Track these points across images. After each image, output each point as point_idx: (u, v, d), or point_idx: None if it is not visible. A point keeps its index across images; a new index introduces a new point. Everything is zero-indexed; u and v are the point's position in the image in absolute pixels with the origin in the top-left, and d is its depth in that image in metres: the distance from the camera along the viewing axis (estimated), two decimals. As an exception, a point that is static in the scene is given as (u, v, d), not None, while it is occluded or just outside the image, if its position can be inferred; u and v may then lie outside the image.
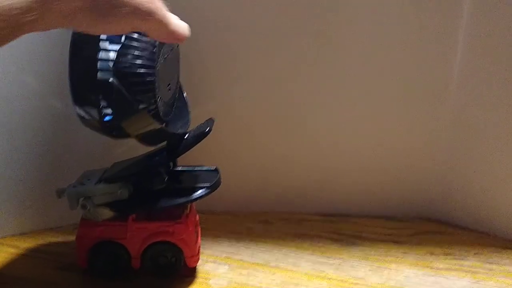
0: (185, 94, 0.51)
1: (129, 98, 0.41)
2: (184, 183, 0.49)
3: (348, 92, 0.60)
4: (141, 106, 0.42)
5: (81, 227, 0.47)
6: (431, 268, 0.51)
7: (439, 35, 0.57)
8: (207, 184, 0.47)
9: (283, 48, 0.58)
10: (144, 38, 0.41)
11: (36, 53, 0.53)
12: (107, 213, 0.46)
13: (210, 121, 0.49)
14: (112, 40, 0.40)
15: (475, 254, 0.54)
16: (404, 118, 0.60)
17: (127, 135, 0.44)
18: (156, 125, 0.43)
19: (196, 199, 0.46)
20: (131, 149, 0.49)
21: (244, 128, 0.61)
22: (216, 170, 0.51)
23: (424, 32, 0.57)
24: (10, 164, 0.54)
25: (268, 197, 0.64)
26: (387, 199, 0.63)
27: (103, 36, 0.40)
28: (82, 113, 0.42)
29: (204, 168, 0.51)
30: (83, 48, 0.40)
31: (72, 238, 0.55)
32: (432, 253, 0.54)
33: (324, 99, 0.60)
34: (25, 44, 0.52)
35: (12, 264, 0.50)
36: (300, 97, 0.60)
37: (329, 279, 0.49)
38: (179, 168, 0.51)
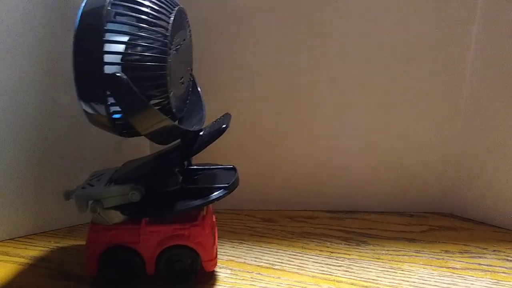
0: (199, 88, 0.48)
1: (139, 93, 0.37)
2: (200, 183, 0.46)
3: (358, 87, 0.56)
4: (152, 102, 0.39)
5: (91, 232, 0.44)
6: (447, 267, 0.48)
7: (453, 31, 0.54)
8: (225, 184, 0.43)
9: (293, 46, 0.55)
10: (154, 28, 0.38)
11: (39, 45, 0.51)
12: (118, 216, 0.43)
13: (226, 117, 0.45)
14: (119, 30, 0.37)
15: (493, 251, 0.51)
16: (416, 111, 0.57)
17: (138, 134, 0.40)
18: (169, 122, 0.39)
19: (214, 200, 0.42)
20: (143, 147, 0.46)
21: (246, 123, 0.58)
22: (233, 169, 0.48)
23: (438, 28, 0.54)
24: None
25: (271, 193, 0.61)
26: (397, 193, 0.60)
27: (109, 27, 0.36)
28: (88, 110, 0.39)
29: (220, 167, 0.48)
30: (87, 40, 0.36)
31: (65, 243, 0.53)
32: (447, 251, 0.51)
33: (331, 94, 0.57)
34: (31, 36, 0.50)
35: (1, 272, 0.47)
36: (306, 92, 0.57)
37: (338, 282, 0.45)
38: (194, 167, 0.48)
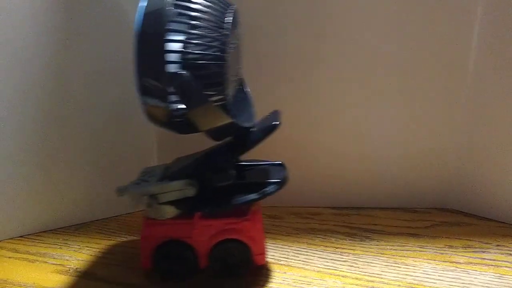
0: (246, 87, 0.49)
1: (200, 91, 0.39)
2: (251, 178, 0.47)
3: (359, 86, 0.57)
4: (212, 99, 0.40)
5: (146, 227, 0.45)
6: (451, 262, 0.48)
7: (454, 28, 0.54)
8: (277, 179, 0.45)
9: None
10: (214, 27, 0.39)
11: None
12: (172, 211, 0.44)
13: (276, 113, 0.46)
14: (180, 30, 0.38)
15: (497, 246, 0.51)
16: (419, 107, 0.57)
17: (196, 130, 0.42)
18: (228, 119, 0.41)
19: (269, 194, 0.44)
20: (189, 144, 0.47)
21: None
22: (281, 164, 0.49)
23: (439, 25, 0.54)
24: (8, 162, 0.52)
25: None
26: (401, 189, 0.60)
27: (171, 26, 0.38)
28: (149, 107, 0.40)
29: (268, 162, 0.49)
30: (150, 40, 0.38)
31: (74, 240, 0.54)
32: (451, 246, 0.51)
33: (338, 92, 0.57)
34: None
35: (11, 268, 0.48)
36: (306, 91, 0.57)
37: (343, 276, 0.46)
38: (243, 163, 0.49)
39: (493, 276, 0.46)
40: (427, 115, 0.57)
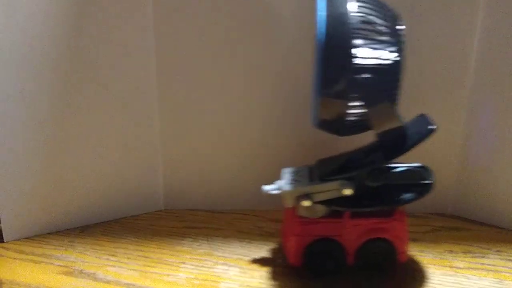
0: None
1: (382, 95, 0.41)
2: (397, 179, 0.48)
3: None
4: (390, 102, 0.42)
5: (297, 225, 0.46)
6: (451, 267, 0.49)
7: (457, 26, 0.55)
8: (429, 180, 0.47)
9: None
10: (395, 33, 0.41)
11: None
12: (324, 209, 0.46)
13: (425, 117, 0.47)
14: (363, 36, 0.40)
15: (496, 251, 0.52)
16: (418, 110, 0.58)
17: (357, 132, 0.44)
18: (401, 122, 0.43)
19: (426, 194, 0.46)
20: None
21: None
22: (423, 167, 0.50)
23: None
24: (14, 164, 0.53)
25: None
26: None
27: (354, 33, 0.40)
28: (325, 107, 0.41)
29: (410, 165, 0.50)
30: (334, 45, 0.40)
31: (79, 241, 0.54)
32: (451, 251, 0.52)
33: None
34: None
35: (17, 269, 0.49)
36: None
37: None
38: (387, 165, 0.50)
39: (492, 281, 0.46)
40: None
